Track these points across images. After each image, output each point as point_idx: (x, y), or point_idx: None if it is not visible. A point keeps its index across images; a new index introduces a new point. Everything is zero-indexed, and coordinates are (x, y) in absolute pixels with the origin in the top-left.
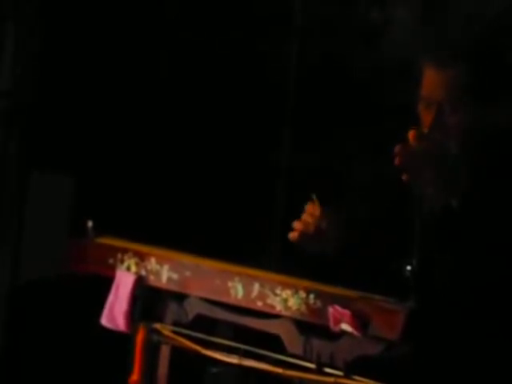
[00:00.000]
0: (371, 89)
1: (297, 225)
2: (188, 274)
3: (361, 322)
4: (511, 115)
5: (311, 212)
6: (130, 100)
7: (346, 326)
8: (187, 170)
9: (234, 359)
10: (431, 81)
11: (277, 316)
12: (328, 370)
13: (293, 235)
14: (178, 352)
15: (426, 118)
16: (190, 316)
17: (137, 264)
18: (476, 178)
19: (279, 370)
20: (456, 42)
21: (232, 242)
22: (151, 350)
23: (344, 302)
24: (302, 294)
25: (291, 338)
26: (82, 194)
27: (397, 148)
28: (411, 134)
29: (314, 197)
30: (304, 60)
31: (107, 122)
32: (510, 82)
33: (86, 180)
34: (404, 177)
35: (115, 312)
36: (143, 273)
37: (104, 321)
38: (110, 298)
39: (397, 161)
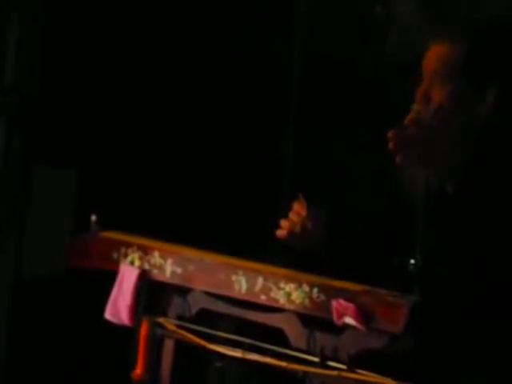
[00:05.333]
0: (373, 83)
1: (283, 223)
2: (192, 267)
3: (364, 315)
4: (500, 101)
5: (298, 210)
6: (133, 94)
7: (349, 320)
8: (190, 163)
9: (237, 353)
10: (428, 55)
11: (280, 310)
12: (331, 363)
13: (280, 233)
14: (181, 346)
15: (419, 90)
16: (194, 310)
17: (140, 258)
18: (469, 162)
19: (283, 364)
20: (454, 21)
21: (235, 235)
22: (155, 344)
23: (347, 296)
24: (306, 288)
25: (295, 332)
26: (85, 188)
27: (390, 133)
28: (406, 120)
29: (300, 195)
30: (307, 57)
31: (110, 116)
32: (501, 68)
33: (90, 174)
34: (397, 160)
35: (119, 306)
36: (147, 267)
37: (108, 315)
38: (114, 292)
39: (390, 145)
